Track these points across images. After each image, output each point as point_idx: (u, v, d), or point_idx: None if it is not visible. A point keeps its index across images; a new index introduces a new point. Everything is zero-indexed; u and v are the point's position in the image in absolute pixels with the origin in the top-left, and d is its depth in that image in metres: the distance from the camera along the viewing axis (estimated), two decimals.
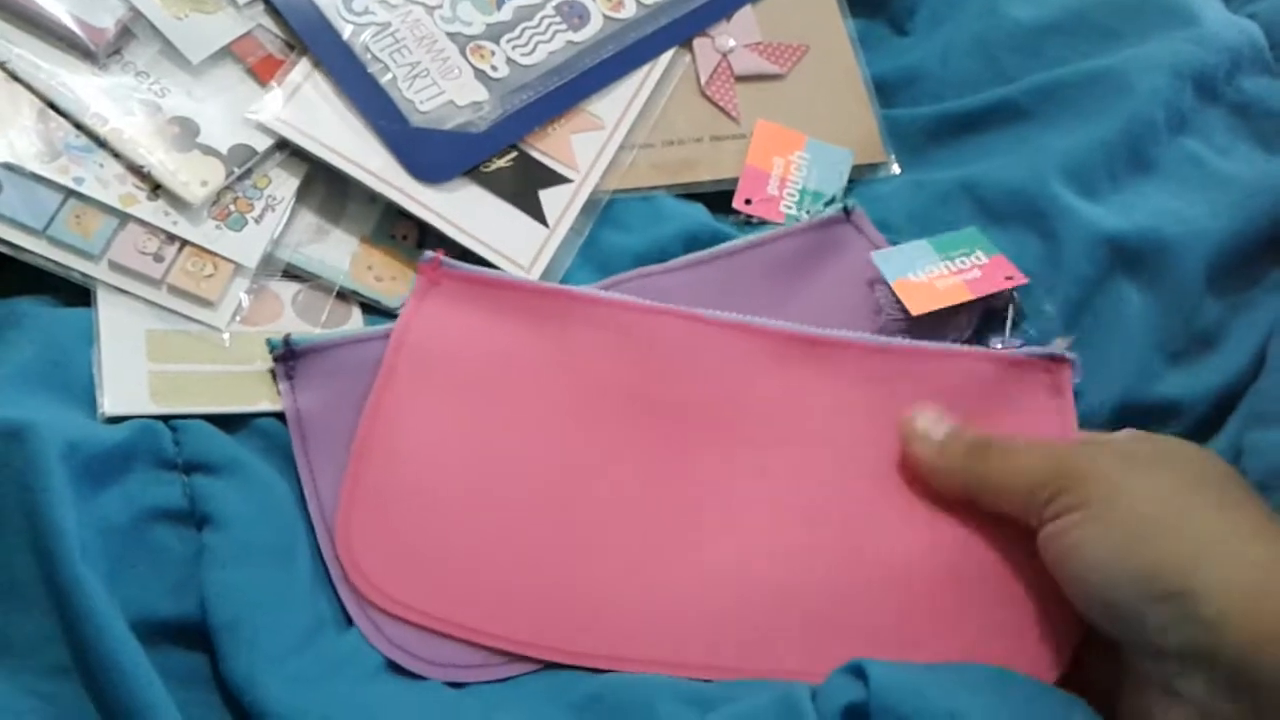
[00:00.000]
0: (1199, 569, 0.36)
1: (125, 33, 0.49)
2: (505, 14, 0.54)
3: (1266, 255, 0.52)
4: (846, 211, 0.52)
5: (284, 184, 0.49)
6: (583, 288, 0.48)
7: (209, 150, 0.48)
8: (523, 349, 0.46)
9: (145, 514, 0.40)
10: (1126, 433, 0.43)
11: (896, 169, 0.56)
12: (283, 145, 0.49)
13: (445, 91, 0.52)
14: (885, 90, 0.58)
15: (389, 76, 0.52)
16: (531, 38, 0.54)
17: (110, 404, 0.42)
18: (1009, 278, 0.49)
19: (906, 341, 0.48)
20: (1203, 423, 0.50)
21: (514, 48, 0.54)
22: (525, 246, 0.50)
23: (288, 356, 0.45)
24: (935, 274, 0.50)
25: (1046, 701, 0.39)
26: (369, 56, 0.52)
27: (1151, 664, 0.38)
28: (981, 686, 0.39)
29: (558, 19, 0.54)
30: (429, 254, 0.47)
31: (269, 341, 0.46)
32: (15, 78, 0.46)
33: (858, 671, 0.38)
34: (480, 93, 0.52)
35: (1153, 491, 0.39)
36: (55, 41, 0.47)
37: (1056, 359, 0.47)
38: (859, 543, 0.44)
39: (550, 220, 0.51)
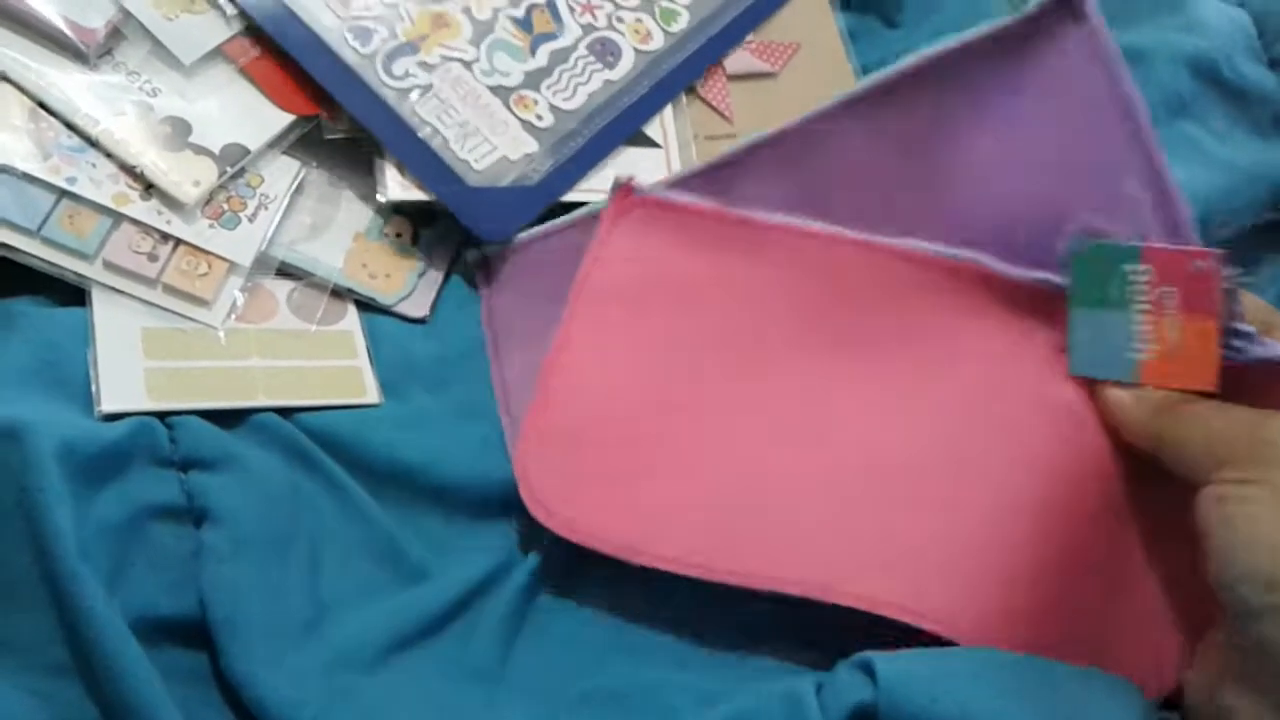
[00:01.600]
0: None
1: (116, 33, 0.49)
2: (541, 59, 0.53)
3: (1261, 240, 0.52)
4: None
5: (277, 182, 0.49)
6: (774, 215, 0.45)
7: (201, 150, 0.48)
8: (712, 275, 0.46)
9: (143, 512, 0.39)
10: (1265, 312, 0.41)
11: None
12: (275, 144, 0.50)
13: (497, 147, 0.52)
14: None
15: (440, 139, 0.51)
16: (570, 81, 0.54)
17: (107, 401, 0.42)
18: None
19: None
20: None
21: (555, 93, 0.53)
22: None
23: (482, 261, 0.50)
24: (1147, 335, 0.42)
25: (1073, 689, 0.38)
26: (417, 120, 0.51)
27: (1245, 658, 0.36)
28: (997, 679, 0.38)
29: (591, 59, 0.54)
30: (620, 179, 0.46)
31: (467, 253, 0.51)
32: (6, 78, 0.46)
33: (865, 668, 0.37)
34: (530, 144, 0.52)
35: None
36: (46, 42, 0.47)
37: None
38: (1009, 497, 0.42)
39: None
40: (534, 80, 0.53)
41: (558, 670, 0.41)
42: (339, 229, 0.50)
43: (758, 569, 0.42)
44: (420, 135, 0.51)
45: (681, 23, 0.56)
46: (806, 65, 0.58)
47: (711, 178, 0.47)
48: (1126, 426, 0.42)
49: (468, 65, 0.52)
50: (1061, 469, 0.42)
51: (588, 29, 0.54)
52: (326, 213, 0.50)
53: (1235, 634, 0.37)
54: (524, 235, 0.50)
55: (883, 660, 0.37)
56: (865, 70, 0.58)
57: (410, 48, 0.51)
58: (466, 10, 0.53)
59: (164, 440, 0.41)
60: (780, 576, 0.42)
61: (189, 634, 0.38)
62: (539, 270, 0.49)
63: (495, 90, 0.52)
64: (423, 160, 0.50)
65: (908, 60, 0.45)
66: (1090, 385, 0.42)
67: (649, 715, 0.40)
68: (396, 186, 0.50)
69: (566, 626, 0.43)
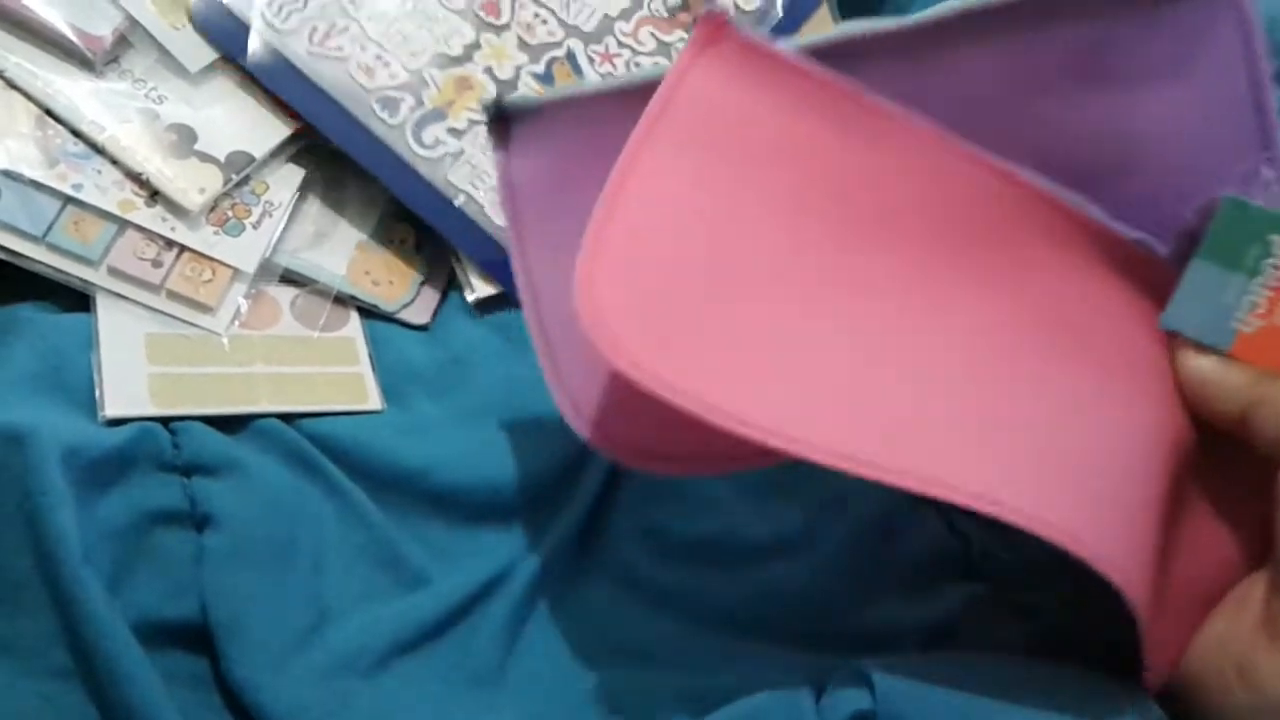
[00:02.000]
0: None
1: (122, 41, 0.49)
2: None
3: None
4: None
5: (282, 190, 0.49)
6: (878, 101, 0.40)
7: (206, 157, 0.48)
8: (802, 144, 0.40)
9: (146, 517, 0.39)
10: None
11: None
12: (280, 152, 0.50)
13: None
14: None
15: (475, 205, 0.51)
16: None
17: (111, 406, 0.42)
18: None
19: None
20: None
21: None
22: None
23: (500, 119, 0.43)
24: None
25: (1077, 699, 0.37)
26: (451, 189, 0.51)
27: None
28: (997, 690, 0.37)
29: None
30: (714, 6, 0.43)
31: (482, 104, 0.43)
32: (13, 85, 0.46)
33: (863, 679, 0.37)
34: None
35: None
36: (52, 49, 0.48)
37: None
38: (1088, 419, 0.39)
39: None
40: None
41: (557, 674, 0.41)
42: (342, 236, 0.50)
43: (859, 451, 0.35)
44: (456, 203, 0.51)
45: None
46: None
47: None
48: (1216, 394, 0.40)
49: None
50: (1145, 416, 0.39)
51: (607, 79, 0.54)
52: (330, 220, 0.50)
53: None
54: (560, 94, 0.43)
55: (880, 672, 0.37)
56: None
57: (438, 114, 0.51)
58: (489, 70, 0.53)
59: (167, 445, 0.42)
60: (888, 465, 0.35)
61: (191, 638, 0.38)
62: (571, 143, 0.43)
63: None
64: (460, 229, 0.51)
65: None
66: (1172, 349, 0.40)
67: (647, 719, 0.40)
68: (482, 284, 0.51)
69: (566, 631, 0.43)
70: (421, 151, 0.51)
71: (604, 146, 0.39)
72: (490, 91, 0.52)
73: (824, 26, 0.59)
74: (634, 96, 0.40)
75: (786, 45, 0.40)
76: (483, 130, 0.49)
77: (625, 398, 0.38)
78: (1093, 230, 0.41)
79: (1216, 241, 0.40)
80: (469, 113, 0.51)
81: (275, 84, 0.50)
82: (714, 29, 0.40)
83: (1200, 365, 0.40)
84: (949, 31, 0.40)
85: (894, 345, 0.38)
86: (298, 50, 0.50)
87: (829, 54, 0.40)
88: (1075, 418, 0.39)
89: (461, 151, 0.51)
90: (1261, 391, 0.39)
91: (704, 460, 0.40)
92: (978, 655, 0.41)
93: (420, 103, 0.51)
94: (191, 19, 0.50)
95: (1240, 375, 0.40)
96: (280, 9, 0.51)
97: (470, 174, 0.51)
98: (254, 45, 0.50)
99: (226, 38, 0.50)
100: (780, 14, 0.58)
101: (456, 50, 0.53)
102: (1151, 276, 0.41)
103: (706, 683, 0.41)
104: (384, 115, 0.50)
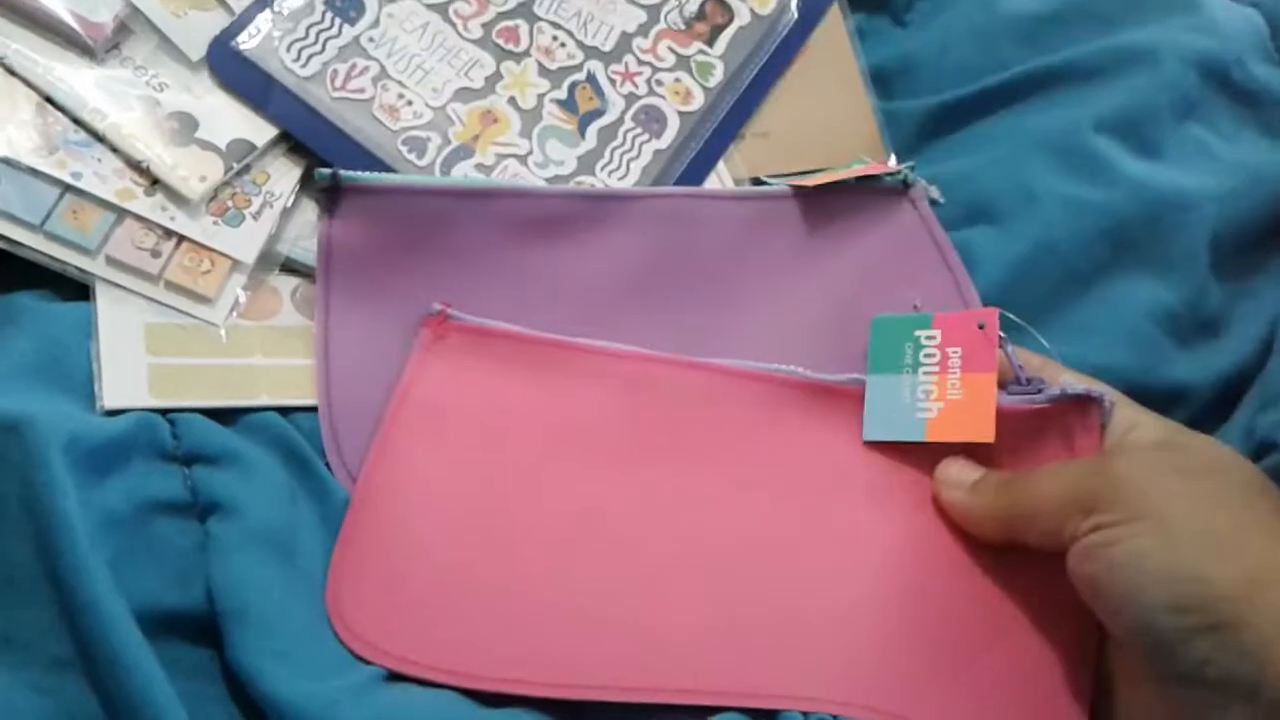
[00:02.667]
0: (1251, 599, 0.34)
1: (123, 28, 0.48)
2: (590, 140, 0.53)
3: (1270, 243, 0.52)
4: (905, 185, 0.52)
5: (283, 180, 0.49)
6: (587, 340, 0.47)
7: (207, 145, 0.48)
8: (525, 399, 0.46)
9: (146, 506, 0.39)
10: (1154, 427, 0.41)
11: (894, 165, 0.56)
12: (281, 141, 0.49)
13: None
14: (883, 80, 0.59)
15: None
16: (623, 158, 0.53)
17: (109, 397, 0.42)
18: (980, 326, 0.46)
19: None
20: (1209, 409, 0.49)
21: (609, 174, 0.52)
22: None
23: (333, 191, 0.47)
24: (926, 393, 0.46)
25: None
26: None
27: (1186, 692, 0.35)
28: None
29: (638, 130, 0.53)
30: (436, 307, 0.46)
31: (317, 173, 0.47)
32: (13, 72, 0.46)
33: None
34: None
35: (1201, 508, 0.36)
36: (53, 37, 0.47)
37: (1085, 399, 0.43)
38: (853, 588, 0.43)
39: None
40: (587, 164, 0.52)
41: None
42: None
43: (606, 679, 0.40)
44: None
45: (718, 75, 0.56)
46: (814, 67, 0.58)
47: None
48: (972, 518, 0.42)
49: (522, 160, 0.51)
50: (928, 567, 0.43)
51: (630, 98, 0.54)
52: None
53: (1163, 673, 0.36)
54: (385, 179, 0.48)
55: None
56: (873, 70, 0.58)
57: (465, 151, 0.51)
58: (512, 101, 0.52)
59: (166, 435, 0.41)
60: (634, 685, 0.40)
61: (192, 628, 0.38)
62: (393, 223, 0.47)
63: (552, 181, 0.51)
64: None
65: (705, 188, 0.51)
66: (933, 489, 0.44)
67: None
68: None
69: None
70: None
71: (421, 233, 0.47)
72: (515, 124, 0.52)
73: (836, 26, 0.59)
74: (455, 196, 0.48)
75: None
76: (510, 163, 0.50)
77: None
78: (803, 387, 0.47)
79: (877, 356, 0.47)
80: (496, 147, 0.51)
81: (301, 133, 0.49)
82: (438, 326, 0.46)
83: (951, 499, 0.43)
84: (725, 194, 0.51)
85: (603, 573, 0.42)
86: (321, 97, 0.50)
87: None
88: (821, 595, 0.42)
89: None
90: (1006, 500, 0.41)
91: None
92: None
93: (446, 140, 0.51)
94: (209, 68, 0.49)
95: (982, 494, 0.42)
96: (299, 54, 0.50)
97: None
98: (276, 96, 0.49)
99: (245, 86, 0.49)
100: (795, 15, 0.58)
101: (478, 83, 0.52)
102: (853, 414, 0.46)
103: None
104: (411, 157, 0.50)
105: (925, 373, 0.45)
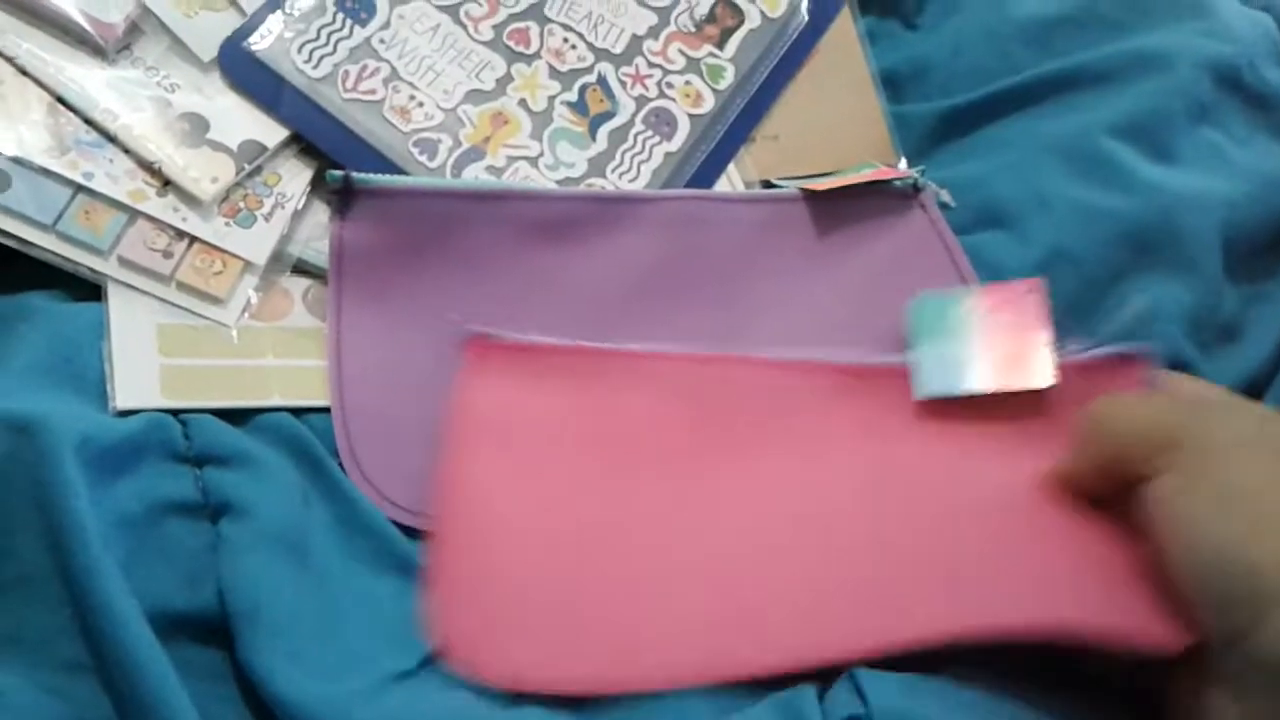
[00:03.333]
0: None
1: (135, 28, 0.48)
2: (601, 143, 0.53)
3: None
4: (916, 189, 0.52)
5: (294, 181, 0.49)
6: (627, 345, 0.47)
7: (219, 146, 0.48)
8: (580, 410, 0.46)
9: (158, 507, 0.39)
10: (1222, 396, 0.41)
11: (905, 169, 0.56)
12: (292, 142, 0.49)
13: None
14: (894, 83, 0.59)
15: None
16: (634, 161, 0.53)
17: (122, 398, 0.42)
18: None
19: None
20: None
21: (620, 176, 0.52)
22: None
23: (344, 193, 0.46)
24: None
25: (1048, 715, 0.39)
26: None
27: (1221, 655, 0.36)
28: (986, 701, 0.38)
29: (649, 132, 0.53)
30: (475, 330, 0.46)
31: (329, 175, 0.46)
32: (25, 73, 0.46)
33: (856, 687, 0.38)
34: None
35: (1262, 479, 0.36)
36: (64, 37, 0.47)
37: (1131, 354, 0.44)
38: (897, 598, 0.42)
39: None
40: (598, 166, 0.52)
41: None
42: None
43: (719, 664, 0.40)
44: None
45: (728, 77, 0.56)
46: (825, 70, 0.58)
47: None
48: (1076, 475, 0.42)
49: (533, 162, 0.51)
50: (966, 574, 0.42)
51: (641, 101, 0.54)
52: None
53: (1213, 628, 0.36)
54: (397, 181, 0.48)
55: (871, 680, 0.37)
56: (884, 73, 0.58)
57: (476, 153, 0.51)
58: (523, 103, 0.52)
59: (178, 436, 0.41)
60: (749, 661, 0.40)
61: (204, 630, 0.38)
62: (405, 226, 0.47)
63: (563, 183, 0.51)
64: None
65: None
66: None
67: (656, 717, 0.39)
68: None
69: None
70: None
71: (432, 235, 0.47)
72: (526, 126, 0.52)
73: (846, 29, 0.59)
74: (468, 199, 0.47)
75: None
76: (521, 165, 0.50)
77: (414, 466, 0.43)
78: (850, 372, 0.47)
79: (920, 328, 0.47)
80: (506, 149, 0.51)
81: (313, 135, 0.49)
82: (481, 348, 0.46)
83: (1058, 474, 0.42)
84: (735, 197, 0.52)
85: (689, 563, 0.42)
86: (333, 99, 0.50)
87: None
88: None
89: None
90: (1100, 431, 0.40)
91: None
92: (970, 668, 0.41)
93: (457, 142, 0.51)
94: (220, 70, 0.49)
95: (1084, 457, 0.41)
96: (310, 55, 0.50)
97: None
98: (288, 97, 0.49)
99: (256, 88, 0.49)
100: (806, 18, 0.58)
101: (489, 84, 0.52)
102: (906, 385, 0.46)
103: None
104: (423, 159, 0.50)
105: (974, 333, 0.46)
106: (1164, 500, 0.37)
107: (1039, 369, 0.44)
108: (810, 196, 0.52)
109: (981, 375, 0.45)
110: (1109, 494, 0.41)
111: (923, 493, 0.44)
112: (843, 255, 0.51)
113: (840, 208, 0.52)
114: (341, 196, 0.47)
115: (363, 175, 0.47)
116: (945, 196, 0.53)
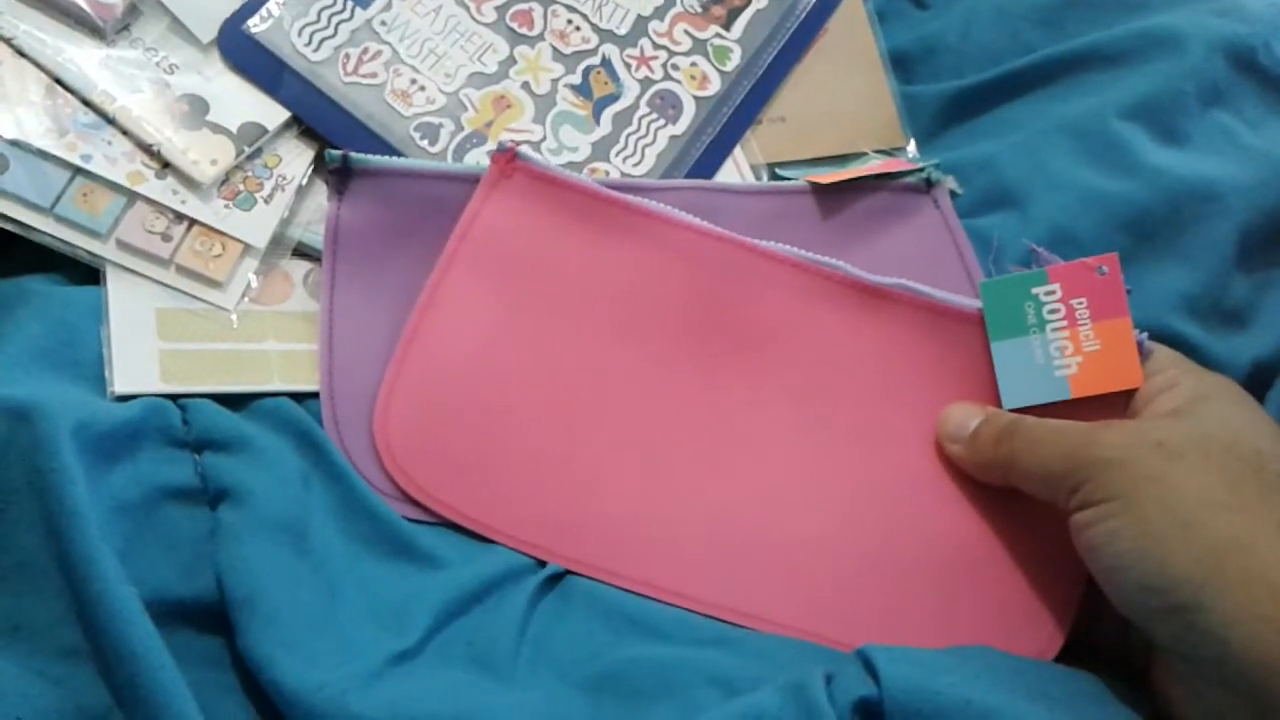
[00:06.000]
0: (1210, 581, 0.35)
1: (133, 9, 0.48)
2: (605, 126, 0.52)
3: None
4: (929, 184, 0.52)
5: (294, 163, 0.48)
6: (649, 201, 0.47)
7: (218, 128, 0.47)
8: (583, 253, 0.46)
9: (156, 493, 0.39)
10: (1181, 394, 0.41)
11: (913, 152, 0.56)
12: (293, 124, 0.49)
13: None
14: (904, 63, 0.58)
15: None
16: (638, 144, 0.52)
17: (120, 383, 0.41)
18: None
19: (967, 302, 0.47)
20: None
21: (624, 160, 0.52)
22: None
23: (342, 173, 0.46)
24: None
25: (1056, 680, 0.39)
26: None
27: (1174, 661, 0.37)
28: (996, 673, 0.38)
29: (654, 115, 0.53)
30: (505, 142, 0.46)
31: (327, 154, 0.47)
32: (22, 54, 0.45)
33: (866, 663, 0.37)
34: None
35: (1179, 488, 0.37)
36: (63, 17, 0.47)
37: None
38: (877, 501, 0.44)
39: None
40: (602, 150, 0.52)
41: (572, 657, 0.40)
42: None
43: (615, 561, 0.42)
44: None
45: (735, 59, 0.55)
46: (833, 51, 0.57)
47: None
48: (973, 469, 0.44)
49: (536, 146, 0.51)
50: (949, 488, 0.45)
51: (645, 83, 0.53)
52: None
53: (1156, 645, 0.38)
54: (396, 163, 0.47)
55: (884, 655, 0.37)
56: (893, 53, 0.58)
57: (478, 137, 0.50)
58: (526, 86, 0.52)
59: (177, 421, 0.41)
60: (642, 578, 0.42)
61: (202, 617, 0.38)
62: (402, 208, 0.47)
63: (567, 168, 0.50)
64: None
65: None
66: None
67: (662, 701, 0.39)
68: None
69: (586, 608, 0.42)
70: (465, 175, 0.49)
71: (430, 217, 0.46)
72: (529, 110, 0.51)
73: (855, 9, 0.58)
74: (466, 182, 0.47)
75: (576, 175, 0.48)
76: (526, 149, 0.49)
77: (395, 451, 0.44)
78: (846, 283, 0.47)
79: (996, 320, 0.45)
80: (509, 133, 0.51)
81: (313, 118, 0.49)
82: (504, 165, 0.47)
83: (951, 454, 0.44)
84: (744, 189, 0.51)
85: (670, 452, 0.44)
86: (333, 82, 0.49)
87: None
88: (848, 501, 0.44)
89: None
90: (1004, 452, 0.42)
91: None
92: (975, 647, 0.41)
93: (459, 126, 0.50)
94: (220, 52, 0.49)
95: (979, 448, 0.43)
96: (311, 37, 0.50)
97: None
98: (288, 80, 0.49)
99: (256, 70, 0.49)
100: (811, 1, 0.57)
101: (491, 67, 0.52)
102: (914, 314, 0.47)
103: (725, 655, 0.40)
104: (424, 144, 0.49)
105: (1054, 329, 0.45)
106: (1085, 528, 0.39)
107: (1127, 371, 0.43)
108: (818, 189, 0.51)
109: (1068, 385, 0.44)
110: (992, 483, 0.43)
111: (900, 453, 0.45)
112: (852, 247, 0.50)
113: (849, 201, 0.51)
114: (339, 176, 0.47)
115: (361, 155, 0.47)
116: (951, 183, 0.52)
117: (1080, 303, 0.44)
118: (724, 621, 0.42)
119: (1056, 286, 0.45)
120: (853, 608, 0.42)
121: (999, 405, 0.45)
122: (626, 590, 0.42)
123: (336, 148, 0.48)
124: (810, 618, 0.42)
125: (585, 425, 0.44)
